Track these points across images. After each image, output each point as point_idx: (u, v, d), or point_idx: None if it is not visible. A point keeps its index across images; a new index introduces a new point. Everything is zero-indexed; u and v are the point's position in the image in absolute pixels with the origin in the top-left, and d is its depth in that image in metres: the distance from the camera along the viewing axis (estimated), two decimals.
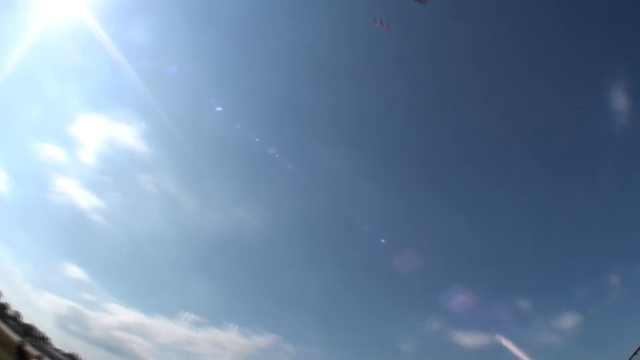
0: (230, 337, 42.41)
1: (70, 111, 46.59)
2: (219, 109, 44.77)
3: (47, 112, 46.43)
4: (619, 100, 43.73)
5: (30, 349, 28.85)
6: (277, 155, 46.62)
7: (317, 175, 49.51)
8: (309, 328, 43.65)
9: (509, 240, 46.83)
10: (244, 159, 49.11)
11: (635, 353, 27.75)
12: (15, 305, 39.34)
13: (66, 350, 38.77)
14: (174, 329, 40.95)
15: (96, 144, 46.56)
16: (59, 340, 40.50)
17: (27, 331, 38.25)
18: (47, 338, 39.56)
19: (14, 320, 38.72)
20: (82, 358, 39.79)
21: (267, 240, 47.96)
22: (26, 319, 39.31)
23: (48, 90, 44.87)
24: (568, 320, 40.73)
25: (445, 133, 47.93)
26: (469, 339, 40.84)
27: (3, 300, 39.17)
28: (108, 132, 46.36)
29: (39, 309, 41.06)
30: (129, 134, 46.96)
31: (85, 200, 45.58)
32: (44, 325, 40.04)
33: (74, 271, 43.43)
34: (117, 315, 41.37)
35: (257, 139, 47.34)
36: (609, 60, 44.11)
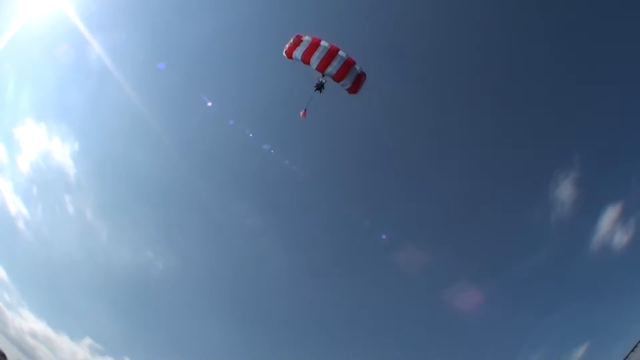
0: None
1: (20, 113, 48.88)
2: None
3: (1, 108, 48.41)
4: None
5: None
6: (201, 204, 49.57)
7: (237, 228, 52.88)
8: None
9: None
10: (164, 201, 52.67)
11: (632, 350, 29.09)
12: None
13: None
14: (75, 349, 43.88)
15: (33, 154, 49.39)
16: None
17: None
18: None
19: None
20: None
21: (171, 287, 51.07)
22: None
23: (7, 87, 46.78)
24: None
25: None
26: None
27: None
28: (45, 145, 49.36)
29: None
30: (62, 151, 50.29)
31: (15, 205, 48.02)
32: None
33: None
34: (29, 322, 43.42)
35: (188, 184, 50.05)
36: None
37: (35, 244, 47.91)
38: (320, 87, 15.69)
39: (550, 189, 45.48)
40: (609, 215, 41.50)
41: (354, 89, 15.86)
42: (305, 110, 16.04)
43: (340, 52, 15.18)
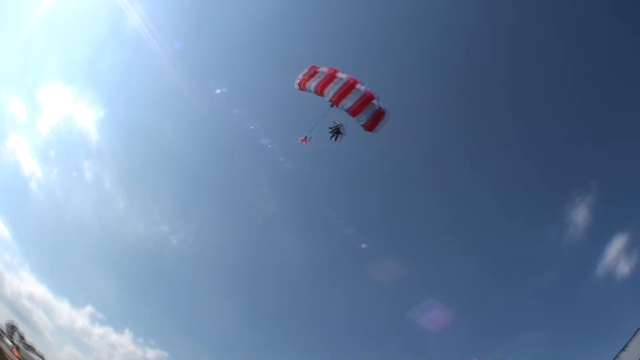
0: (124, 341, 44.65)
1: (46, 74, 48.43)
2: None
3: (26, 67, 48.06)
4: None
5: None
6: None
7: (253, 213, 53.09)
8: (201, 357, 46.70)
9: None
10: (186, 177, 51.94)
11: (623, 349, 28.96)
12: None
13: None
14: (74, 316, 42.84)
15: (55, 116, 48.93)
16: None
17: None
18: None
19: None
20: None
21: (183, 264, 50.49)
22: None
23: (35, 46, 46.03)
24: None
25: None
26: None
27: None
28: (69, 109, 48.87)
29: None
30: (86, 117, 49.66)
31: (29, 165, 47.83)
32: None
33: (0, 227, 45.24)
34: (27, 284, 42.11)
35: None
36: None
37: (45, 206, 47.77)
38: (336, 132, 14.48)
39: (566, 210, 44.62)
40: (616, 244, 41.26)
41: (371, 125, 14.59)
42: (306, 137, 14.87)
43: (359, 85, 13.92)
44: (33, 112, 47.90)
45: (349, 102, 14.06)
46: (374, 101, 14.23)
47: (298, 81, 14.27)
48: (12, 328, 39.34)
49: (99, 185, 49.94)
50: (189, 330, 46.29)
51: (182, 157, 50.83)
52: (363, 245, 43.67)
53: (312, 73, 13.92)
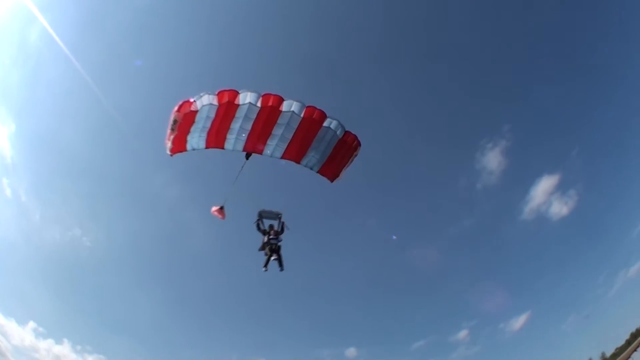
0: (65, 351, 46.58)
1: None
2: None
3: None
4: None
5: None
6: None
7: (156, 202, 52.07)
8: (136, 354, 46.86)
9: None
10: (91, 177, 51.44)
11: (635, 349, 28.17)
12: None
13: None
14: (23, 334, 45.39)
15: None
16: None
17: None
18: None
19: None
20: None
21: (100, 263, 50.32)
22: None
23: None
24: None
25: None
26: None
27: None
28: None
29: None
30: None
31: None
32: None
33: None
34: None
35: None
36: None
37: None
38: (271, 249, 8.01)
39: (476, 157, 42.57)
40: (544, 186, 40.61)
41: (333, 169, 7.87)
42: (221, 207, 8.42)
43: (286, 106, 6.92)
44: None
45: (277, 144, 7.39)
46: (328, 123, 7.37)
47: (171, 145, 7.23)
48: None
49: (17, 199, 50.37)
50: (120, 329, 49.35)
51: (87, 158, 50.44)
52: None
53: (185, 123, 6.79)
